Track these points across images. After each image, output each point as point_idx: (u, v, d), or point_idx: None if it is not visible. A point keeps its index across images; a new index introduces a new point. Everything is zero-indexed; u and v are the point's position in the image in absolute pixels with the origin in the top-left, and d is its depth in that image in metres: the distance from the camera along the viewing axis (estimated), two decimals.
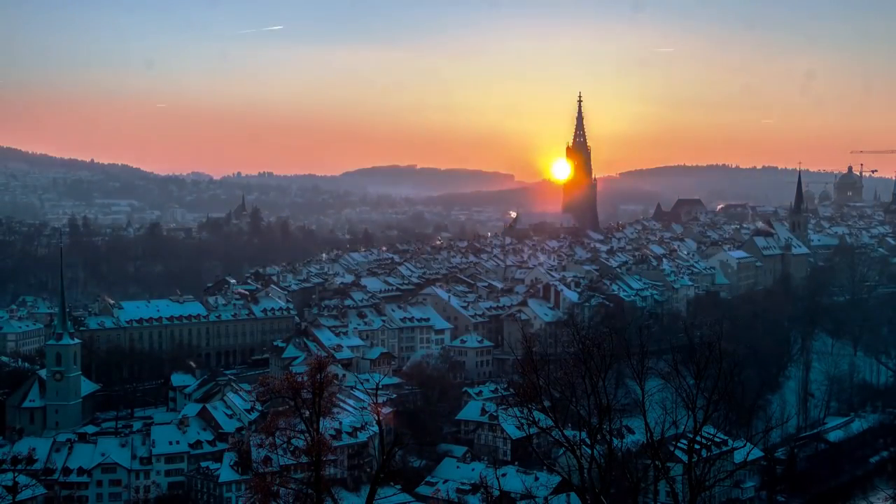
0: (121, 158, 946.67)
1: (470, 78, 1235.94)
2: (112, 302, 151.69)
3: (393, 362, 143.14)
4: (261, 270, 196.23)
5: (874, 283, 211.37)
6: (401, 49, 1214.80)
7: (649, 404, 36.45)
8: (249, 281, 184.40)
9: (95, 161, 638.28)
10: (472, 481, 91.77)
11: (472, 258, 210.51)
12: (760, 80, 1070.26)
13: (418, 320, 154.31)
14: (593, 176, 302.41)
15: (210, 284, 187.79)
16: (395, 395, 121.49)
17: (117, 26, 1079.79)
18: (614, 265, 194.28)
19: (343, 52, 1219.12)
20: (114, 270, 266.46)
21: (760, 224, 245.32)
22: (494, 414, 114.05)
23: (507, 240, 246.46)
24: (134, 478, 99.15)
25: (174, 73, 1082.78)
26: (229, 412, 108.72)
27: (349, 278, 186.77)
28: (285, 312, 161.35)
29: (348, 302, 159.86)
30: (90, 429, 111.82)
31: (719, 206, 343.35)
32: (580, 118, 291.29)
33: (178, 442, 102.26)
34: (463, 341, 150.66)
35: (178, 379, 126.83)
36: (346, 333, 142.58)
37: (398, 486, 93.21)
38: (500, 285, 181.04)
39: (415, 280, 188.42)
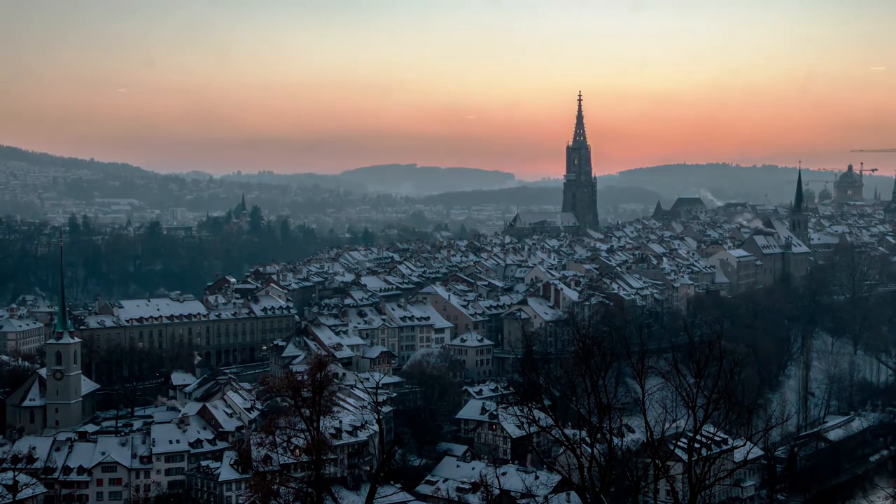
0: (121, 157, 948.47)
1: (470, 77, 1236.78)
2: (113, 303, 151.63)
3: (393, 361, 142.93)
4: (261, 269, 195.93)
5: (874, 281, 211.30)
6: (401, 48, 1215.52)
7: (649, 403, 36.51)
8: (249, 280, 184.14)
9: (95, 160, 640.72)
10: (473, 480, 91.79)
11: (472, 257, 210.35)
12: (761, 78, 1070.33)
13: (418, 319, 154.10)
14: (593, 175, 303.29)
15: (210, 283, 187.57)
16: (395, 394, 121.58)
17: (117, 25, 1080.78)
18: (614, 264, 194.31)
19: (343, 50, 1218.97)
20: (114, 269, 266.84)
21: (760, 223, 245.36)
22: (494, 413, 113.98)
23: (507, 238, 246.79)
24: (134, 477, 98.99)
25: (174, 72, 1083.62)
26: (229, 411, 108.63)
27: (349, 277, 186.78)
28: (285, 311, 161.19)
29: (348, 301, 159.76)
30: (90, 428, 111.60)
31: (719, 205, 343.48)
32: (580, 117, 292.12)
33: (178, 441, 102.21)
34: (463, 340, 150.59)
35: (178, 378, 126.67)
36: (346, 332, 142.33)
37: (398, 485, 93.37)
38: (500, 284, 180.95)
39: (415, 279, 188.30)
